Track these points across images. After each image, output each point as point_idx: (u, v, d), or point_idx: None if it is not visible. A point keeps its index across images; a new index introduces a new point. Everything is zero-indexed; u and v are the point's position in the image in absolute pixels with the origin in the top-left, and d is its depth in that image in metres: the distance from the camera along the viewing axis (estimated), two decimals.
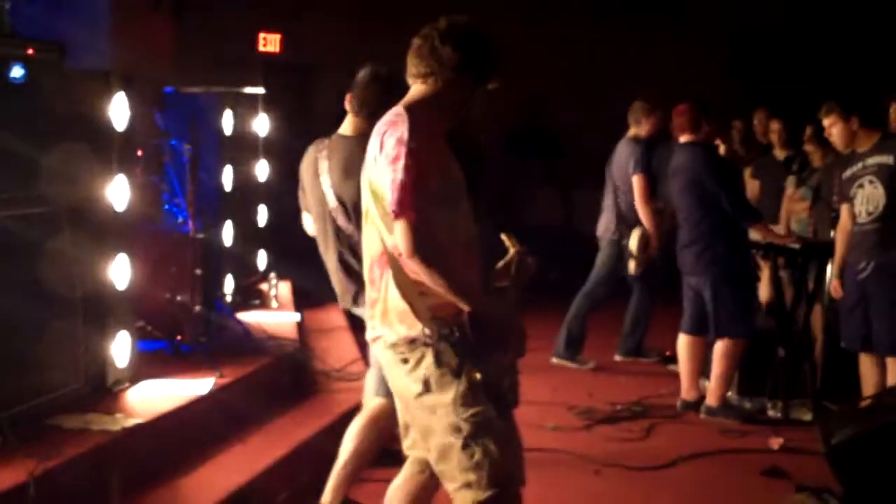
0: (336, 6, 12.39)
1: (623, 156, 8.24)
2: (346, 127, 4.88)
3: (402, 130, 3.40)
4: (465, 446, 3.48)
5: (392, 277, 3.50)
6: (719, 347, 6.92)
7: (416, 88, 3.63)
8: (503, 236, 3.78)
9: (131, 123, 5.33)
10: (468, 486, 3.51)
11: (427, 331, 3.46)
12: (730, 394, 7.14)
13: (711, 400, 6.98)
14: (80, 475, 4.38)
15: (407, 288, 3.48)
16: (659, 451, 6.30)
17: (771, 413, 7.00)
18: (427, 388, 3.51)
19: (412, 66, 3.62)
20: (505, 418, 3.57)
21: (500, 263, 3.74)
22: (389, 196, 3.37)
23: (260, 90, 7.52)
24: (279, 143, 8.30)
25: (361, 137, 4.11)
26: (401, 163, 3.35)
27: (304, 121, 10.88)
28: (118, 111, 5.22)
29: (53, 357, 4.93)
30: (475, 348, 3.46)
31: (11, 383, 4.58)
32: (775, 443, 6.42)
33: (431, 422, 3.55)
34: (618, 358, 8.60)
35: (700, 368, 7.16)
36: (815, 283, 7.24)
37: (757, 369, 7.17)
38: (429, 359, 3.48)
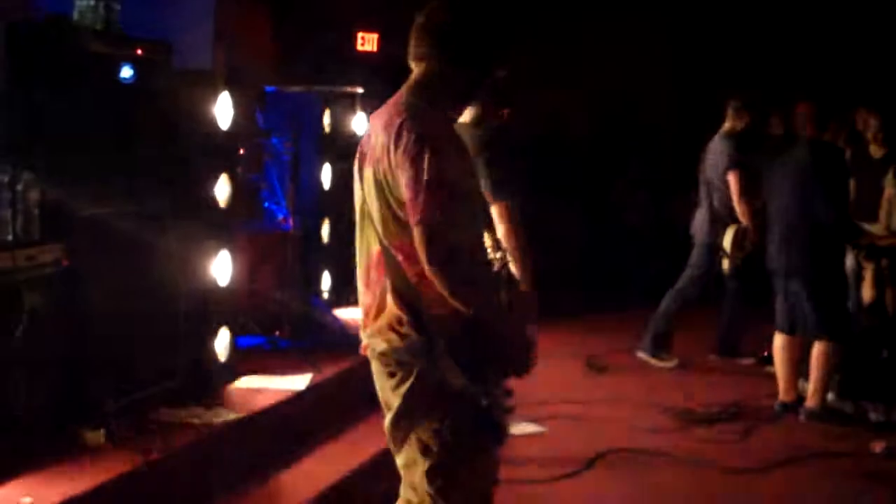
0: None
1: (717, 152, 8.15)
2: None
3: (423, 124, 3.09)
4: (429, 471, 3.26)
5: (392, 285, 3.20)
6: (817, 349, 6.81)
7: (419, 71, 3.30)
8: (485, 236, 3.37)
9: (235, 122, 5.42)
10: None
11: (428, 342, 3.14)
12: (830, 396, 7.03)
13: (811, 403, 6.87)
14: (182, 468, 4.47)
15: (409, 298, 3.17)
16: (757, 454, 6.22)
17: (873, 416, 6.85)
18: (407, 401, 3.25)
19: (413, 48, 3.29)
20: (491, 447, 3.33)
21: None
22: (410, 196, 3.05)
23: (358, 89, 7.57)
24: None
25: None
26: (425, 161, 3.02)
27: None
28: (222, 110, 5.31)
29: (157, 351, 5.02)
30: (485, 369, 3.21)
31: (117, 376, 4.68)
32: (878, 446, 6.29)
33: (404, 436, 3.32)
34: (714, 358, 8.51)
35: (797, 369, 7.05)
36: None
37: (859, 371, 7.05)
38: (416, 371, 3.20)
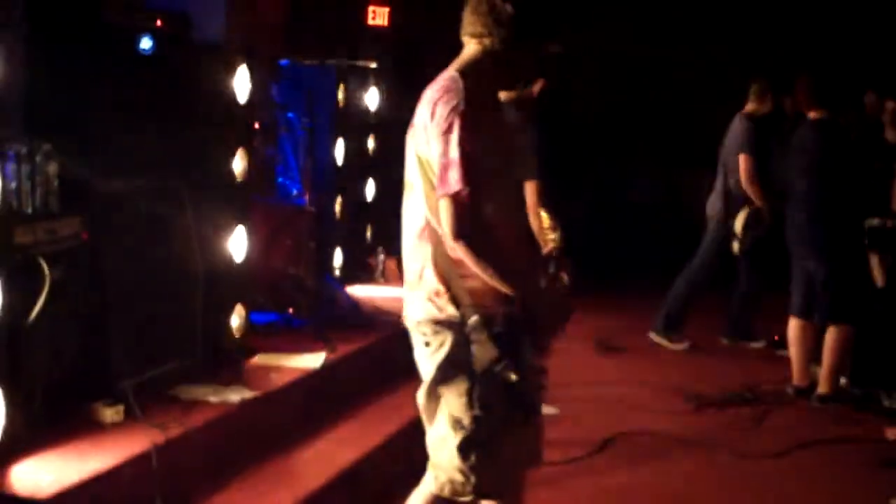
0: None
1: (734, 134, 8.12)
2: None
3: (458, 99, 3.15)
4: (461, 447, 3.30)
5: (431, 255, 3.28)
6: (831, 334, 6.77)
7: (471, 49, 3.36)
8: (542, 212, 3.55)
9: (252, 97, 5.37)
10: (451, 483, 3.35)
11: (463, 316, 3.22)
12: (843, 381, 7.01)
13: (823, 388, 6.84)
14: (200, 446, 4.42)
15: (446, 268, 3.25)
16: (771, 439, 6.21)
17: (886, 403, 6.83)
18: (441, 373, 3.31)
19: (468, 24, 3.36)
20: (520, 424, 3.35)
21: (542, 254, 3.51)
22: (438, 169, 3.16)
23: (372, 64, 7.51)
24: (387, 116, 8.31)
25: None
26: (455, 135, 3.11)
27: (412, 95, 10.88)
28: (241, 84, 5.25)
29: (174, 327, 4.97)
30: (517, 344, 3.26)
31: (134, 352, 4.64)
32: (891, 433, 6.28)
33: (433, 408, 3.39)
34: (725, 341, 8.48)
35: (811, 354, 7.01)
36: None
37: (872, 358, 7.02)
38: (450, 344, 3.27)
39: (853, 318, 6.75)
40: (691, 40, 12.78)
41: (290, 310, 6.19)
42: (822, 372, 6.86)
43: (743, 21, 12.87)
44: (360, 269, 7.79)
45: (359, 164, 7.76)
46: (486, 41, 3.31)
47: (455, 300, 3.24)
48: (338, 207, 7.25)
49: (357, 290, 7.18)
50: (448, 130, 3.12)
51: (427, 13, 12.25)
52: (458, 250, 3.16)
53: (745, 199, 7.97)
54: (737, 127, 8.08)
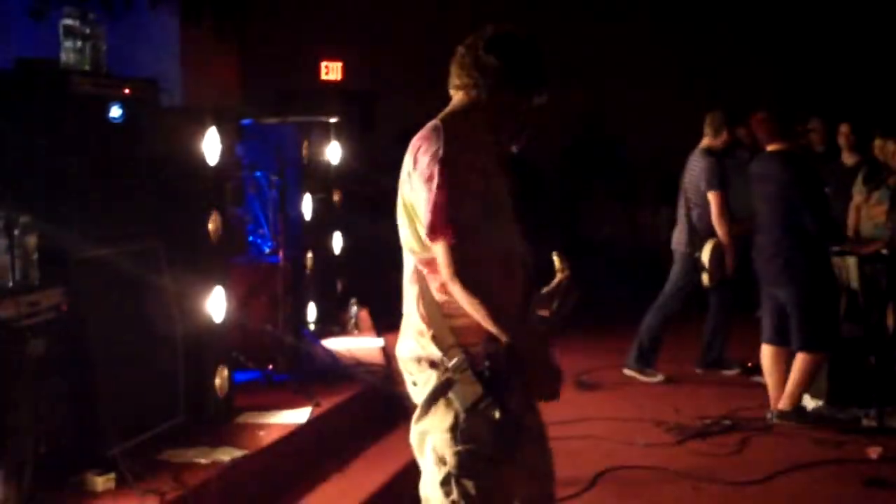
0: (396, 33, 12.45)
1: (697, 170, 8.18)
2: None
3: (437, 146, 3.20)
4: (443, 482, 3.31)
5: (417, 295, 3.34)
6: (800, 360, 6.84)
7: (457, 99, 3.43)
8: (554, 256, 3.57)
9: (222, 157, 5.39)
10: None
11: (445, 357, 3.25)
12: (820, 404, 7.09)
13: (784, 404, 6.91)
14: None
15: (432, 309, 3.30)
16: (755, 465, 6.23)
17: (865, 422, 6.91)
18: (425, 410, 3.33)
19: (454, 77, 3.41)
20: (507, 461, 3.34)
21: (546, 289, 3.53)
22: (424, 216, 3.20)
23: (334, 119, 7.55)
24: (346, 169, 8.37)
25: None
26: (435, 181, 3.16)
27: (367, 147, 10.94)
28: (210, 146, 5.27)
29: (158, 391, 4.98)
30: (502, 382, 3.25)
31: (122, 419, 4.62)
32: (873, 452, 6.34)
33: (423, 446, 3.40)
34: (699, 371, 8.54)
35: (785, 378, 7.08)
36: None
37: (848, 378, 7.11)
38: (433, 382, 3.29)
39: (825, 345, 6.84)
40: (639, 78, 12.99)
41: (270, 366, 6.18)
42: (787, 389, 6.92)
43: (691, 55, 13.11)
44: (333, 322, 7.80)
45: (325, 218, 7.80)
46: (473, 92, 3.38)
47: (437, 339, 3.28)
48: (308, 262, 7.26)
49: (333, 343, 7.17)
50: (430, 178, 3.18)
51: (379, 66, 12.39)
52: (453, 290, 3.20)
53: (709, 232, 8.05)
54: (698, 162, 8.15)
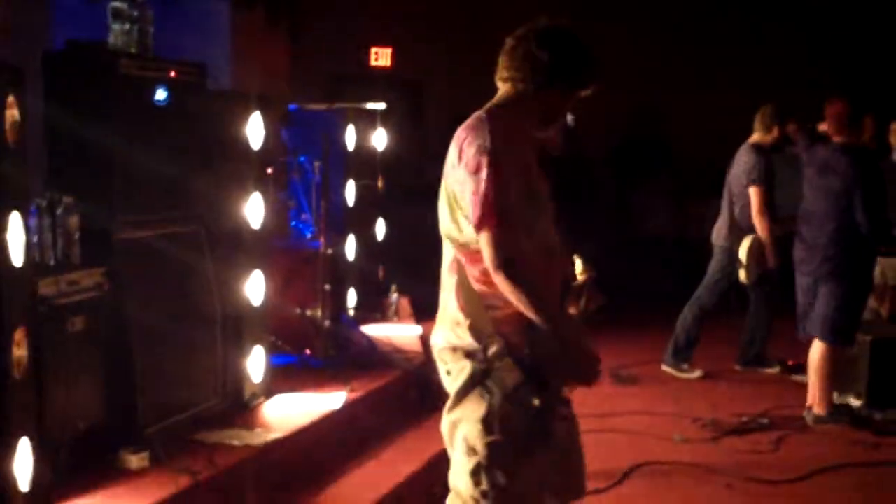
0: (446, 20, 12.45)
1: (742, 164, 8.12)
2: None
3: (484, 138, 3.22)
4: (473, 472, 3.33)
5: (455, 285, 3.36)
6: (820, 352, 6.78)
7: (504, 91, 3.44)
8: (576, 258, 3.57)
9: (266, 142, 5.45)
10: None
11: (484, 345, 3.29)
12: (859, 403, 7.03)
13: (819, 409, 6.86)
14: (227, 490, 4.47)
15: (471, 299, 3.33)
16: (791, 464, 6.20)
17: None
18: (458, 400, 3.36)
19: (503, 69, 3.41)
20: (540, 453, 3.37)
21: (573, 285, 3.55)
22: (470, 208, 3.23)
23: (381, 105, 7.58)
24: (393, 157, 8.41)
25: None
26: (483, 173, 3.19)
27: (416, 135, 10.98)
28: (255, 131, 5.33)
29: (195, 373, 5.05)
30: (542, 369, 3.30)
31: (158, 399, 4.70)
32: None
33: (453, 436, 3.42)
34: (738, 368, 8.50)
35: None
36: None
37: (888, 379, 7.05)
38: (468, 371, 3.32)
39: (850, 340, 6.81)
40: (695, 71, 12.92)
41: (308, 351, 6.24)
42: (815, 393, 6.87)
43: (745, 48, 13.01)
44: (373, 309, 7.85)
45: (369, 204, 7.84)
46: (521, 86, 3.38)
47: (475, 329, 3.31)
48: (350, 248, 7.30)
49: (372, 330, 7.22)
50: (477, 169, 3.21)
51: (429, 53, 12.41)
52: (497, 280, 3.22)
53: (750, 227, 7.99)
54: (744, 157, 8.08)
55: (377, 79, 11.58)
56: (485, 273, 3.27)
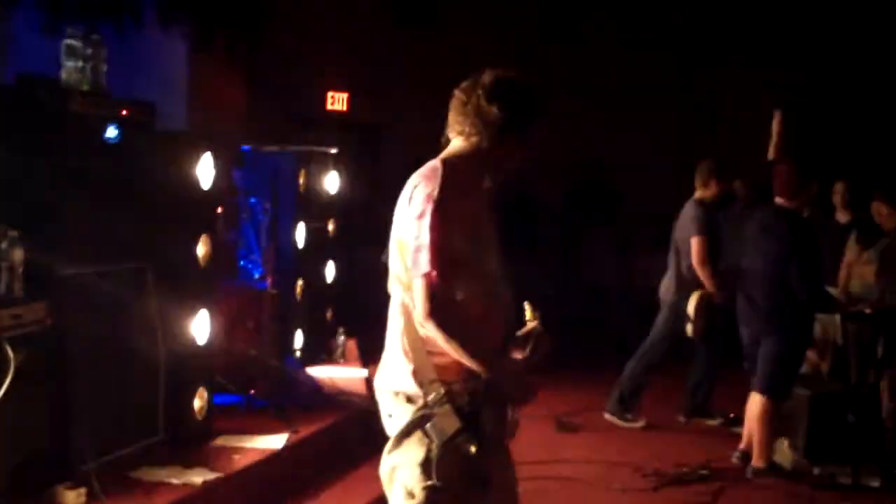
0: (402, 65, 12.57)
1: (686, 218, 8.26)
2: None
3: (434, 186, 3.27)
4: None
5: (401, 328, 3.39)
6: (759, 405, 6.88)
7: (457, 143, 3.47)
8: (525, 305, 3.58)
9: (216, 183, 5.48)
10: None
11: (426, 391, 3.31)
12: (797, 456, 7.12)
13: (759, 462, 6.92)
14: None
15: (415, 344, 3.36)
16: None
17: (840, 479, 6.93)
18: (397, 444, 3.38)
19: (454, 123, 3.45)
20: (479, 498, 3.38)
21: (519, 333, 3.56)
22: (410, 252, 3.28)
23: (333, 149, 7.65)
24: (346, 200, 8.46)
25: None
26: (426, 220, 3.23)
27: (370, 178, 11.05)
28: (204, 171, 5.37)
29: (137, 409, 5.05)
30: (480, 419, 3.32)
31: (97, 435, 4.68)
32: None
33: (392, 479, 3.42)
34: (682, 419, 8.57)
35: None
36: (884, 349, 7.20)
37: (826, 434, 7.14)
38: (408, 416, 3.35)
39: (787, 395, 6.92)
40: (643, 129, 13.10)
41: (252, 391, 6.25)
42: (758, 445, 6.94)
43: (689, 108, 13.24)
44: (320, 350, 7.86)
45: (319, 246, 7.88)
46: (474, 139, 3.43)
47: (418, 374, 3.33)
48: (298, 290, 7.33)
49: (317, 371, 7.23)
50: (421, 215, 3.25)
51: (384, 99, 12.51)
52: (427, 328, 3.28)
53: (697, 282, 8.10)
54: (688, 212, 8.21)
55: (333, 122, 11.67)
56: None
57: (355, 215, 9.31)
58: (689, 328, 8.06)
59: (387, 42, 12.44)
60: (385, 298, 3.54)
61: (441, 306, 3.24)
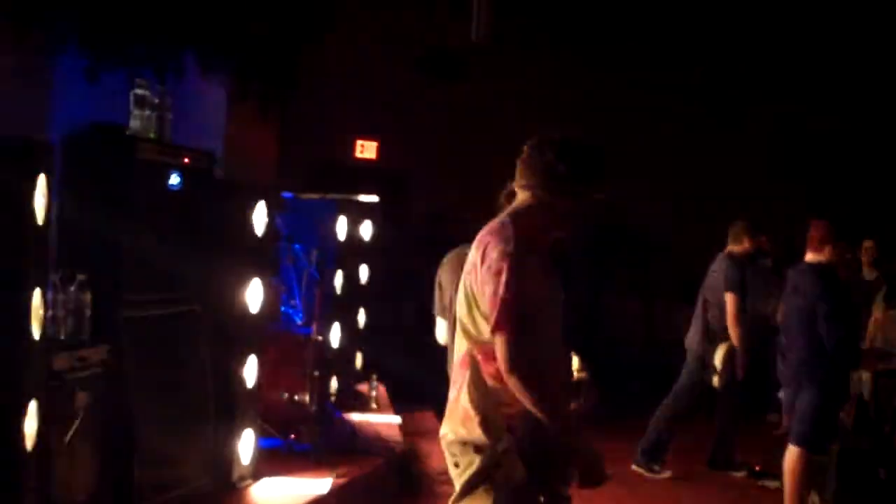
0: (431, 115, 12.73)
1: (718, 272, 8.34)
2: None
3: (507, 243, 3.39)
4: None
5: (468, 380, 3.46)
6: (794, 457, 6.92)
7: (524, 197, 3.59)
8: (573, 356, 3.74)
9: (265, 229, 5.61)
10: None
11: (494, 440, 3.39)
12: None
13: None
14: None
15: (484, 394, 3.44)
16: None
17: None
18: (464, 493, 3.44)
19: (521, 177, 3.58)
20: None
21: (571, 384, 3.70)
22: (489, 309, 3.37)
23: (373, 198, 7.78)
24: (375, 247, 8.59)
25: None
26: (504, 277, 3.34)
27: (398, 226, 11.17)
28: (259, 218, 5.50)
29: (185, 452, 5.13)
30: (547, 466, 3.42)
31: (148, 476, 4.77)
32: None
33: None
34: (706, 471, 8.61)
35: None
36: None
37: (856, 491, 7.19)
38: (476, 465, 3.41)
39: (824, 449, 6.95)
40: (669, 183, 13.23)
41: (293, 435, 6.33)
42: (788, 497, 6.97)
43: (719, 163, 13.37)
44: (353, 396, 7.96)
45: (352, 293, 7.99)
46: (540, 193, 3.55)
47: (486, 424, 3.41)
48: (336, 335, 7.44)
49: (354, 417, 7.32)
50: (498, 273, 3.36)
51: (413, 146, 12.67)
52: (509, 382, 3.35)
53: (725, 332, 8.18)
54: (721, 265, 8.31)
55: (362, 170, 11.81)
56: (500, 371, 3.40)
57: (382, 263, 9.42)
58: (716, 379, 8.14)
59: (414, 93, 12.61)
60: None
61: (520, 359, 3.33)
